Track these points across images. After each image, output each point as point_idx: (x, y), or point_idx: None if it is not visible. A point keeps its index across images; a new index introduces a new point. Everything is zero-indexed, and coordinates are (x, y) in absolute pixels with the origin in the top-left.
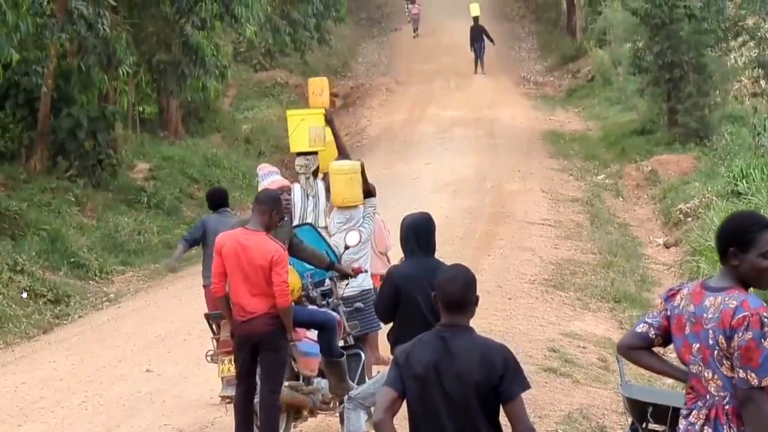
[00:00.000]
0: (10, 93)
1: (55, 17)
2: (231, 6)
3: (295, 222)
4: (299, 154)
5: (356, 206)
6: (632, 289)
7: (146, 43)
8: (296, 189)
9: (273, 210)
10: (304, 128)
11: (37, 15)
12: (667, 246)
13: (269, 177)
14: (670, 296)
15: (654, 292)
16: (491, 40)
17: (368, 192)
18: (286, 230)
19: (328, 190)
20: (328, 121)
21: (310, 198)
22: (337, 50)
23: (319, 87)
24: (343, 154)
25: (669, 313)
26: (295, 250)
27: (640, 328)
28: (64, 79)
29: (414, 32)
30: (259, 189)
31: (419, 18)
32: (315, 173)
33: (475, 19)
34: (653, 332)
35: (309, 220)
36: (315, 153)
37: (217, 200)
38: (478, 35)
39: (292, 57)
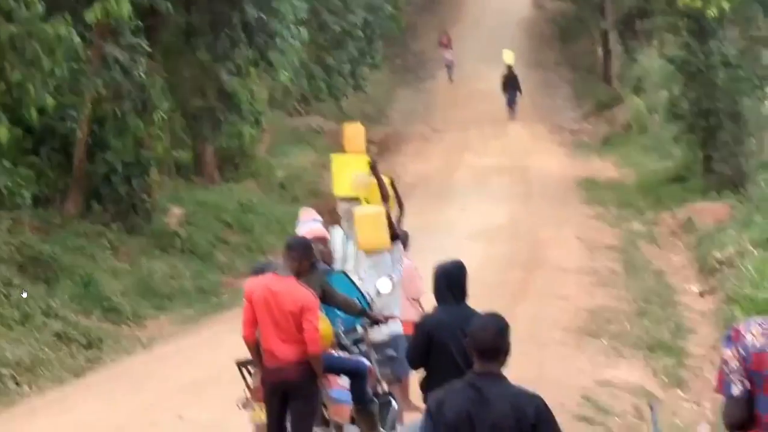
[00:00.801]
0: (45, 138)
1: (91, 63)
2: (266, 52)
3: (337, 265)
4: (342, 198)
5: (383, 250)
6: (667, 337)
7: (181, 88)
8: (337, 232)
9: (303, 257)
10: (347, 173)
11: (72, 61)
12: (702, 294)
13: (307, 224)
14: (734, 338)
15: (689, 341)
16: (519, 90)
17: (395, 235)
18: (318, 277)
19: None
20: (372, 167)
21: (351, 242)
22: (373, 97)
23: (354, 133)
24: (385, 200)
25: (743, 353)
26: (326, 297)
27: (737, 391)
28: (100, 124)
29: (449, 78)
30: (297, 233)
31: (453, 64)
32: None
33: (509, 67)
34: (745, 384)
35: (350, 264)
36: (358, 198)
37: None
38: (510, 83)
39: (327, 103)
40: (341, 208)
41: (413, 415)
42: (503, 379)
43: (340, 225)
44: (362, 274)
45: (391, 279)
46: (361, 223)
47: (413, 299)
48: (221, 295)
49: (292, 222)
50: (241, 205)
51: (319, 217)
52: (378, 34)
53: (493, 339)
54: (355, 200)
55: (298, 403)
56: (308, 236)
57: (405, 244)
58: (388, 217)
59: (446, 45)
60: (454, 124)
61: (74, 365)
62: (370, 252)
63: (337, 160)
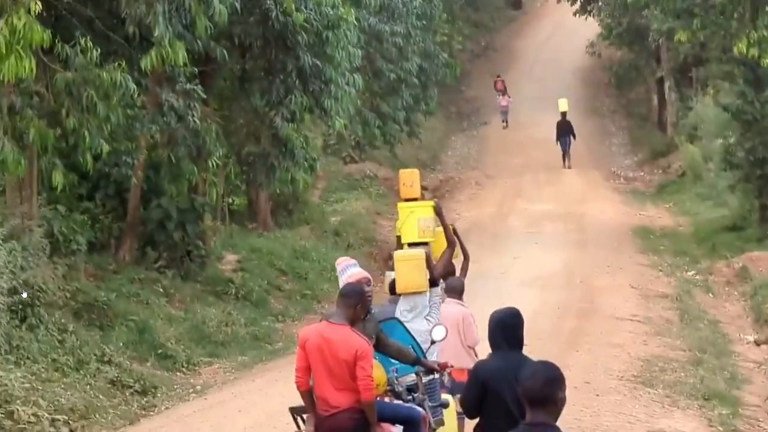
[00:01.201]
0: (100, 184)
1: (146, 109)
2: (321, 99)
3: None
4: (409, 244)
5: (421, 293)
6: (722, 387)
7: (236, 135)
8: None
9: (358, 304)
10: (413, 220)
11: (127, 107)
12: (758, 343)
13: (348, 270)
14: None
15: (744, 390)
16: (573, 136)
17: (433, 281)
18: (372, 324)
19: (435, 280)
20: (438, 213)
21: None
22: (427, 143)
23: (409, 179)
24: (451, 245)
25: None
26: (380, 345)
27: None
28: (154, 170)
29: (503, 123)
30: (340, 283)
31: (508, 110)
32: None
33: (563, 114)
34: None
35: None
36: (425, 243)
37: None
38: (565, 130)
39: (381, 150)
40: None
41: None
42: (556, 429)
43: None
44: (399, 317)
45: (446, 329)
46: (399, 266)
47: (469, 347)
48: (275, 342)
49: None
50: (294, 252)
51: (355, 261)
52: (433, 81)
53: (541, 388)
54: (422, 245)
55: None
56: (354, 279)
57: (461, 292)
58: (428, 261)
59: (501, 90)
60: (508, 170)
61: (128, 412)
62: (407, 294)
63: (403, 207)
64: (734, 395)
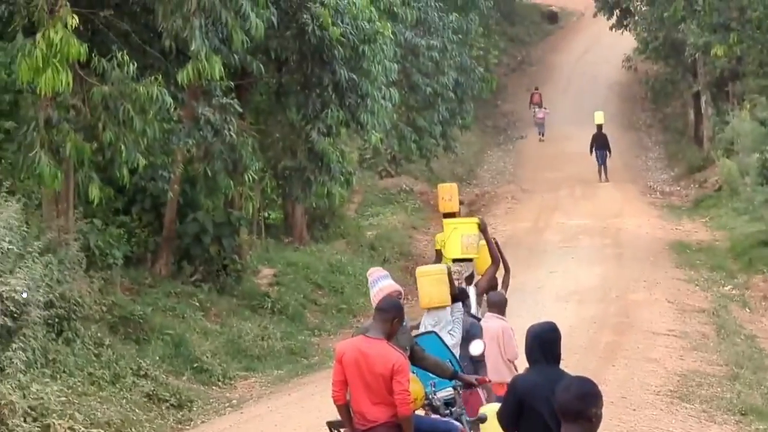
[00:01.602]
0: (136, 198)
1: (182, 123)
2: (357, 113)
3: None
4: (454, 260)
5: (444, 307)
6: (759, 402)
7: (272, 149)
8: None
9: (395, 318)
10: (457, 236)
11: (164, 121)
12: None
13: (379, 282)
14: None
15: None
16: (609, 151)
17: (455, 296)
18: (406, 336)
19: (479, 295)
20: (482, 230)
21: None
22: (463, 157)
23: (448, 193)
24: (495, 262)
25: None
26: (416, 359)
27: None
28: (190, 184)
29: (540, 136)
30: (370, 293)
31: (544, 123)
32: (469, 279)
33: (599, 126)
34: None
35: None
36: (469, 260)
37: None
38: (600, 143)
39: (417, 164)
40: (453, 269)
41: None
42: None
43: None
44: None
45: (484, 344)
46: (422, 281)
47: (509, 360)
48: (311, 356)
49: None
50: (330, 266)
51: (386, 273)
52: (469, 95)
53: (574, 402)
54: (467, 261)
55: None
56: (385, 292)
57: (501, 306)
58: (449, 276)
59: (537, 103)
60: (544, 184)
61: (164, 426)
62: (431, 309)
63: (448, 224)
64: None
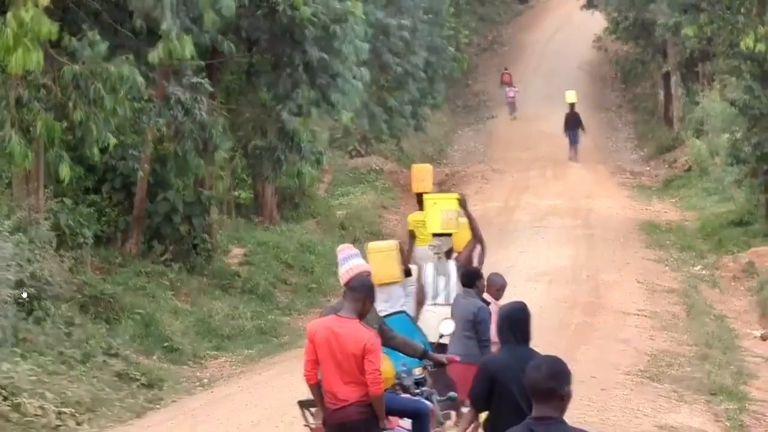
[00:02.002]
0: (107, 177)
1: (153, 102)
2: (327, 93)
3: (428, 299)
4: (434, 235)
5: (395, 283)
6: (729, 382)
7: (243, 128)
8: (429, 268)
9: (366, 297)
10: (437, 211)
11: (134, 100)
12: (764, 338)
13: (349, 261)
14: None
15: (751, 385)
16: (583, 129)
17: (407, 271)
18: (374, 316)
19: (459, 270)
20: (463, 205)
21: (441, 276)
22: (433, 137)
23: (422, 173)
24: (476, 237)
25: None
26: (385, 338)
27: None
28: (161, 163)
29: (511, 115)
30: (340, 271)
31: (515, 102)
32: (448, 254)
33: (571, 105)
34: None
35: (440, 298)
36: (448, 234)
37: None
38: (573, 122)
39: (387, 144)
40: (432, 244)
41: None
42: (563, 423)
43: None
44: (383, 306)
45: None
46: (372, 257)
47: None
48: (281, 336)
49: None
50: (301, 246)
51: (357, 251)
52: (440, 75)
53: (546, 381)
54: (447, 236)
55: None
56: (354, 272)
57: (498, 289)
58: (401, 252)
59: (508, 82)
60: (515, 164)
61: (135, 405)
62: (382, 285)
63: (428, 199)
64: (741, 390)
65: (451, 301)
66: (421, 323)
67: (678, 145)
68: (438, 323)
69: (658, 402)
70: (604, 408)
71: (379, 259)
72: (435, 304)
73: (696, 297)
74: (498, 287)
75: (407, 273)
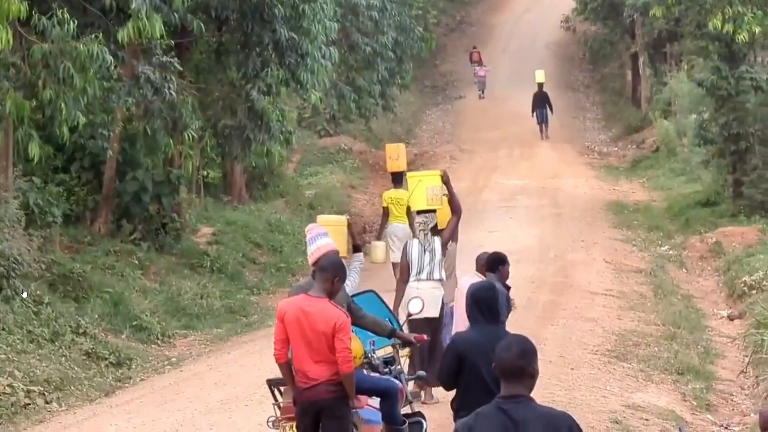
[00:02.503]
0: (75, 156)
1: (122, 81)
2: (297, 72)
3: (413, 275)
4: (418, 212)
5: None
6: (696, 362)
7: (212, 107)
8: (414, 244)
9: (335, 277)
10: (422, 188)
11: (104, 79)
12: (731, 318)
13: (318, 240)
14: None
15: (717, 365)
16: (551, 109)
17: (356, 247)
18: (342, 295)
19: (444, 245)
20: (445, 182)
21: (427, 252)
22: (402, 117)
23: (395, 152)
24: (457, 212)
25: None
26: (354, 317)
27: None
28: (130, 142)
29: (480, 93)
30: (308, 250)
31: (485, 81)
32: (433, 230)
33: (540, 85)
34: None
35: (425, 274)
36: (433, 211)
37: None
38: (541, 102)
39: (356, 123)
40: (417, 220)
41: None
42: (531, 401)
43: (417, 237)
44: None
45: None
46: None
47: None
48: (250, 315)
49: None
50: (269, 225)
51: (326, 231)
52: (408, 55)
53: (515, 359)
54: (431, 212)
55: (330, 423)
56: (322, 251)
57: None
58: (349, 228)
59: (477, 60)
60: (483, 144)
61: (103, 384)
62: None
63: (412, 177)
64: (708, 370)
65: (435, 277)
66: (406, 299)
67: (646, 125)
68: (426, 300)
69: (625, 381)
70: (572, 387)
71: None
72: (419, 280)
73: (663, 277)
74: (483, 264)
75: (356, 249)
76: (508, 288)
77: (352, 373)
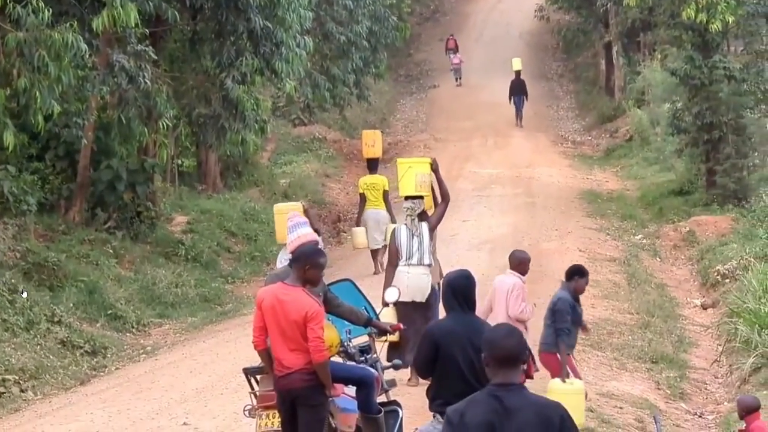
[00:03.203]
0: (50, 145)
1: (97, 70)
2: (271, 61)
3: (402, 260)
4: (407, 198)
5: None
6: (669, 350)
7: (186, 96)
8: (402, 229)
9: (306, 265)
10: (412, 175)
11: (78, 67)
12: (704, 307)
13: (297, 229)
14: None
15: (691, 354)
16: (526, 96)
17: (316, 231)
18: (319, 285)
19: (431, 231)
20: (434, 169)
21: (415, 237)
22: (376, 106)
23: (371, 139)
24: (445, 199)
25: None
26: (330, 306)
27: None
28: (105, 131)
29: (456, 81)
30: (288, 239)
31: (461, 68)
32: (421, 216)
33: (517, 73)
34: None
35: (415, 259)
36: (421, 197)
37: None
38: (518, 89)
39: (330, 112)
40: (405, 206)
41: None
42: (524, 388)
43: (405, 223)
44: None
45: (399, 290)
46: (277, 218)
47: (516, 319)
48: (225, 304)
49: None
50: (244, 214)
51: (305, 219)
52: (382, 44)
53: (516, 347)
54: (419, 198)
55: (305, 412)
56: (301, 241)
57: (518, 264)
58: (306, 214)
59: (453, 48)
60: (457, 133)
61: (79, 372)
62: (283, 243)
63: (401, 164)
64: (681, 358)
65: (425, 262)
66: (396, 283)
67: (619, 114)
68: (415, 284)
69: (600, 370)
70: (546, 376)
71: (281, 220)
72: (409, 265)
73: (637, 266)
74: (518, 262)
75: (317, 233)
76: (577, 300)
77: (325, 362)
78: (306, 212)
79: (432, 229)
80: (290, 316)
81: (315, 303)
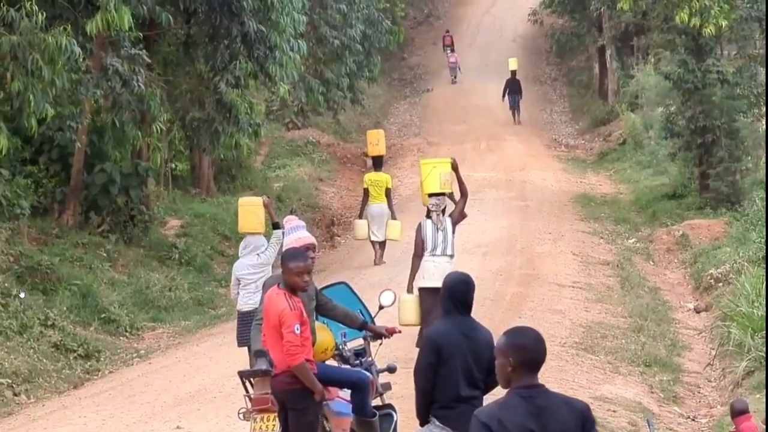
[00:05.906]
0: (44, 148)
1: (91, 73)
2: (265, 65)
3: (427, 252)
4: (431, 195)
5: (256, 234)
6: (663, 354)
7: (180, 100)
8: (428, 224)
9: (286, 269)
10: (436, 174)
11: (72, 71)
12: (697, 311)
13: (294, 233)
14: None
15: (684, 357)
16: (520, 95)
17: (275, 224)
18: (310, 287)
19: (454, 225)
20: (454, 168)
21: (440, 231)
22: (370, 110)
23: (375, 138)
24: (464, 195)
25: None
26: (323, 310)
27: None
28: (98, 134)
29: (452, 80)
30: (284, 242)
31: (457, 66)
32: (444, 211)
33: (513, 72)
34: None
35: (439, 251)
36: (444, 194)
37: None
38: (514, 87)
39: (324, 116)
40: (431, 202)
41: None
42: (547, 389)
43: (430, 218)
44: (240, 254)
45: (395, 294)
46: (240, 210)
47: None
48: (218, 307)
49: None
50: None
51: (303, 224)
52: (376, 48)
53: (545, 352)
54: (443, 195)
55: (293, 415)
56: (298, 244)
57: None
58: (267, 208)
59: (449, 45)
60: (450, 137)
61: (72, 376)
62: (246, 235)
63: (425, 164)
64: (675, 362)
65: (448, 253)
66: (421, 272)
67: (613, 118)
68: (440, 273)
69: (593, 373)
70: (540, 379)
71: (244, 212)
72: (434, 255)
73: (630, 269)
74: None
75: (275, 226)
76: None
77: (301, 366)
78: (266, 206)
79: (455, 223)
80: (270, 319)
81: (287, 307)
